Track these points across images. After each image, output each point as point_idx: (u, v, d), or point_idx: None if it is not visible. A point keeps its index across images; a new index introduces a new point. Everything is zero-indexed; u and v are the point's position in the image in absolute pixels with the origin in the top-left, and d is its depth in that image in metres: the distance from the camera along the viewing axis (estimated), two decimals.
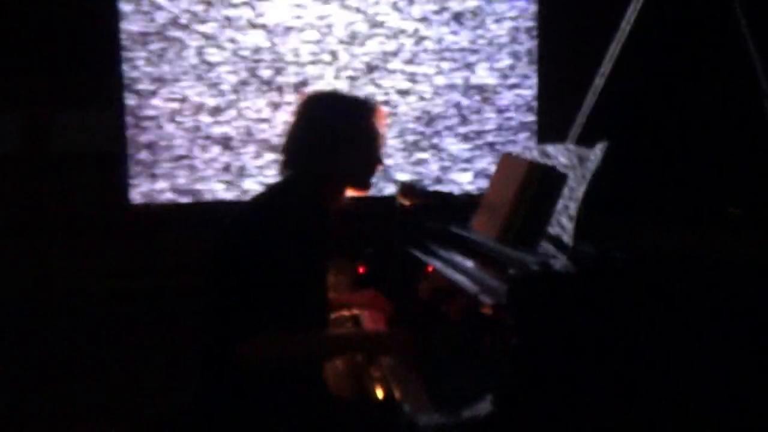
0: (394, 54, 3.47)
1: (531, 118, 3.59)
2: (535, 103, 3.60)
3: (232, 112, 3.38)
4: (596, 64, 2.70)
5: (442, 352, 2.00)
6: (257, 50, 3.37)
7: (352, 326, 2.48)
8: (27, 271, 3.26)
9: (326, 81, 3.44)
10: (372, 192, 2.33)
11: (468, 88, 3.54)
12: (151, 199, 3.37)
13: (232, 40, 3.36)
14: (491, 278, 1.85)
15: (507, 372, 1.64)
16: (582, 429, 1.66)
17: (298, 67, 3.42)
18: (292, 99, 3.41)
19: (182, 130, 3.36)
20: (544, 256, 1.80)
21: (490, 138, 3.59)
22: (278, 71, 3.40)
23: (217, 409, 1.91)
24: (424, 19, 3.51)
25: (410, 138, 3.55)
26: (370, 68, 3.47)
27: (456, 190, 3.54)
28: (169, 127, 3.35)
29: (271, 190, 2.12)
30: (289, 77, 3.41)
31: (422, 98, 3.52)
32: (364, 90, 3.48)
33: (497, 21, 3.54)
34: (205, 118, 3.37)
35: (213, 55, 3.35)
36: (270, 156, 3.40)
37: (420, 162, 3.57)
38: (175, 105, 3.36)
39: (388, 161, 3.50)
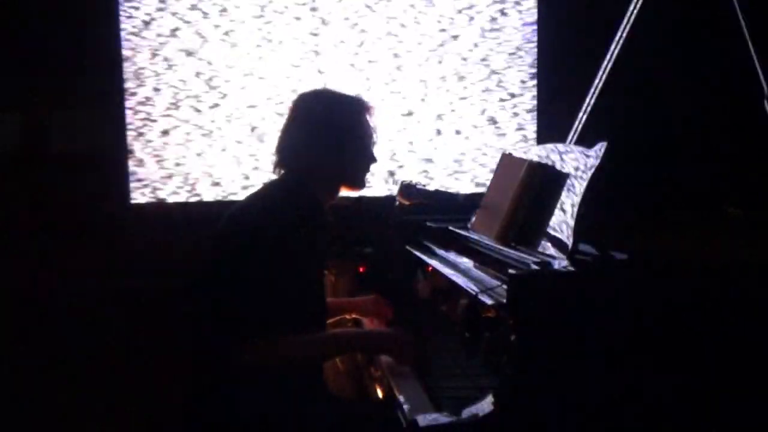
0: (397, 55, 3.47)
1: (531, 117, 3.59)
2: (534, 103, 3.59)
3: (233, 113, 3.38)
4: (596, 65, 2.70)
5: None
6: (258, 52, 3.37)
7: (352, 326, 2.48)
8: (27, 271, 3.26)
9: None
10: (372, 192, 2.33)
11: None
12: (151, 199, 3.37)
13: (234, 39, 3.36)
14: (491, 278, 1.85)
15: (507, 372, 1.64)
16: (582, 429, 1.66)
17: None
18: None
19: (183, 131, 3.36)
20: (544, 256, 1.80)
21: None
22: (291, 73, 3.40)
23: (217, 409, 1.91)
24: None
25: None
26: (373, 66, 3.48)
27: (456, 190, 3.54)
28: (170, 128, 3.35)
29: (266, 190, 2.11)
30: (295, 79, 3.41)
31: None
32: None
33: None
34: (205, 119, 3.37)
35: (213, 55, 3.35)
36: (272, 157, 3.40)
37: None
38: (176, 105, 3.35)
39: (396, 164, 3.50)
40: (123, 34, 3.31)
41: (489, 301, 1.72)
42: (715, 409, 1.69)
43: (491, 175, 2.44)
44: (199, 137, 3.39)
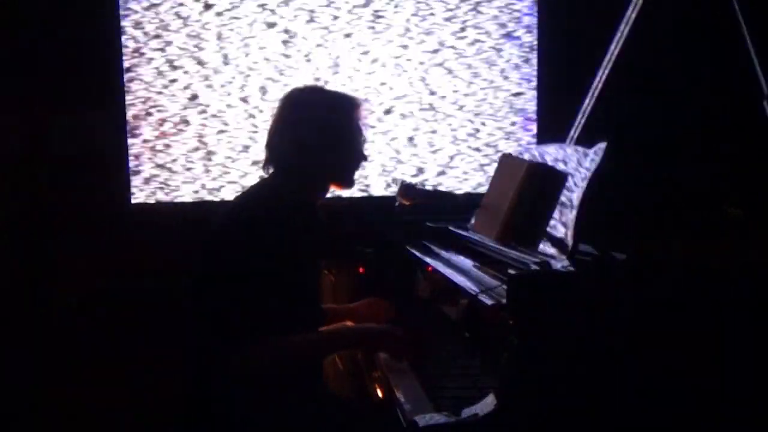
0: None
1: (531, 118, 3.59)
2: (534, 103, 3.60)
3: (234, 113, 3.38)
4: (596, 65, 2.70)
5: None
6: (261, 51, 3.38)
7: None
8: (27, 271, 3.26)
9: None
10: (371, 192, 2.32)
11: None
12: (151, 200, 3.37)
13: (234, 39, 3.37)
14: (491, 278, 1.85)
15: (507, 372, 1.64)
16: (582, 429, 1.66)
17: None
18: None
19: (183, 131, 3.36)
20: (544, 256, 1.80)
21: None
22: (287, 75, 3.40)
23: (216, 409, 1.91)
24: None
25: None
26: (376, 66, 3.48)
27: (456, 189, 3.54)
28: (170, 128, 3.35)
29: (256, 190, 2.10)
30: (295, 81, 3.41)
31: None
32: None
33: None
34: (206, 119, 3.37)
35: (214, 55, 3.35)
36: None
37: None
38: (176, 105, 3.36)
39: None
40: (123, 34, 3.31)
41: (489, 302, 1.72)
42: (716, 409, 1.69)
43: (490, 176, 2.44)
44: (199, 137, 3.39)
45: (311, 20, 3.41)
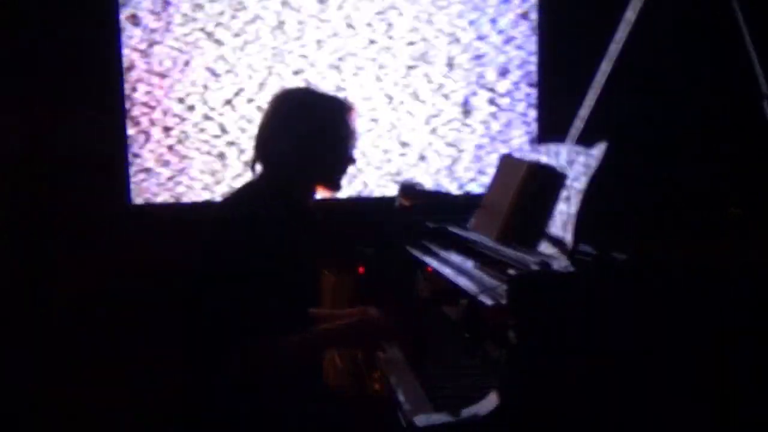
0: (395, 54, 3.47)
1: (531, 118, 3.59)
2: (534, 103, 3.60)
3: (235, 113, 3.38)
4: (596, 64, 2.70)
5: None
6: (262, 51, 3.38)
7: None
8: (27, 271, 3.26)
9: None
10: (372, 192, 2.32)
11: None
12: (151, 200, 3.37)
13: (236, 39, 3.37)
14: (491, 278, 1.85)
15: (507, 372, 1.64)
16: (582, 429, 1.66)
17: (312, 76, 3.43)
18: None
19: (183, 131, 3.36)
20: (544, 256, 1.80)
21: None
22: (289, 77, 3.41)
23: (216, 409, 1.91)
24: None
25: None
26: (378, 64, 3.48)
27: (456, 190, 3.54)
28: (170, 128, 3.36)
29: (245, 190, 2.10)
30: (294, 82, 3.42)
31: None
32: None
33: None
34: (206, 119, 3.37)
35: (215, 54, 3.35)
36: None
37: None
38: (177, 105, 3.36)
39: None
40: (123, 34, 3.31)
41: (489, 302, 1.72)
42: (716, 409, 1.69)
43: (491, 175, 2.44)
44: (199, 138, 3.39)
45: (319, 16, 3.42)
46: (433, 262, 2.28)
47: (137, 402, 3.19)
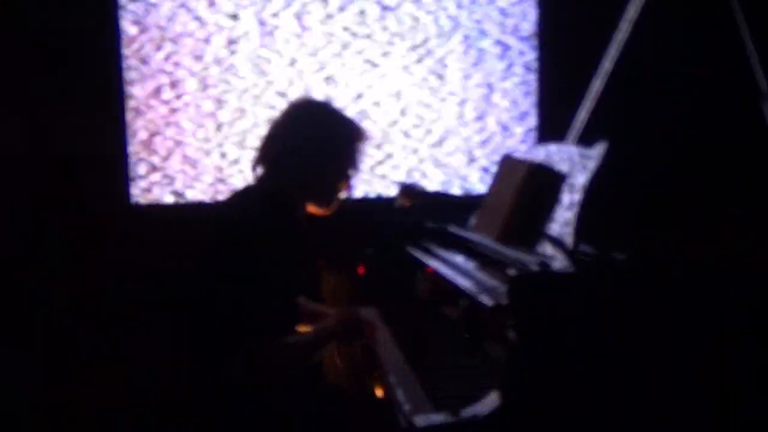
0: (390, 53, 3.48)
1: (531, 118, 3.60)
2: (534, 103, 3.60)
3: (234, 114, 3.38)
4: (596, 64, 2.70)
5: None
6: (262, 50, 3.38)
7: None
8: (27, 272, 3.26)
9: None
10: (372, 192, 2.31)
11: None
12: (151, 200, 3.37)
13: (236, 39, 3.37)
14: (491, 278, 1.85)
15: (507, 372, 1.64)
16: (582, 429, 1.66)
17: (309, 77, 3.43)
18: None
19: (183, 131, 3.36)
20: (544, 256, 1.80)
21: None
22: (285, 75, 3.41)
23: (216, 408, 1.92)
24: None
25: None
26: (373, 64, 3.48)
27: (457, 190, 3.55)
28: (170, 128, 3.36)
29: (244, 194, 2.10)
30: (293, 82, 3.42)
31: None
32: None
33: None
34: (206, 120, 3.37)
35: (215, 55, 3.35)
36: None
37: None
38: (177, 106, 3.36)
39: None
40: (124, 34, 3.31)
41: (489, 302, 1.72)
42: (716, 409, 1.69)
43: (491, 176, 2.44)
44: (199, 138, 3.39)
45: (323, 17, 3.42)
46: (433, 263, 2.28)
47: (137, 402, 3.19)
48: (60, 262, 3.26)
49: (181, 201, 3.39)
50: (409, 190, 2.43)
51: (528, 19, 3.57)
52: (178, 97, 3.37)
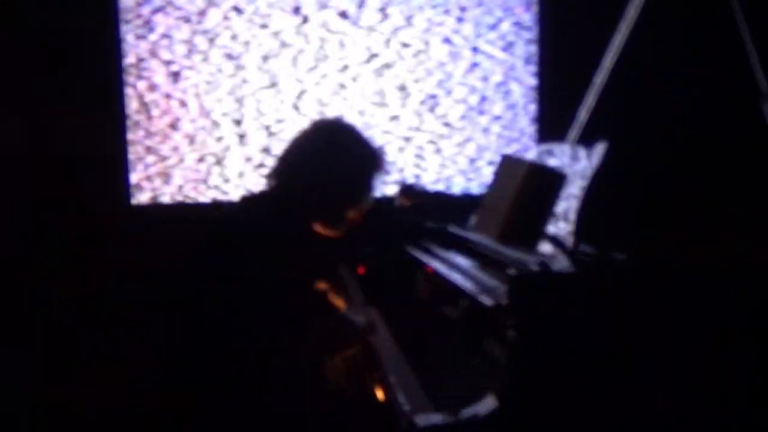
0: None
1: (531, 118, 3.60)
2: (534, 103, 3.60)
3: (233, 113, 3.39)
4: (596, 64, 2.70)
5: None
6: (260, 50, 3.38)
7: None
8: (27, 272, 3.26)
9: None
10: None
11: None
12: (151, 201, 3.37)
13: (236, 39, 3.37)
14: (491, 278, 1.85)
15: (507, 372, 1.64)
16: (581, 429, 1.66)
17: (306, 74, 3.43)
18: (294, 102, 3.41)
19: (182, 131, 3.36)
20: (544, 256, 1.80)
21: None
22: (285, 75, 3.41)
23: (216, 408, 1.92)
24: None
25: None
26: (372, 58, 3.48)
27: (456, 190, 3.55)
28: (170, 128, 3.36)
29: (255, 201, 2.09)
30: (294, 84, 3.42)
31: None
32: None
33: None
34: (206, 119, 3.37)
35: (214, 54, 3.35)
36: (268, 159, 3.41)
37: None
38: (176, 105, 3.36)
39: None
40: (123, 33, 3.31)
41: (489, 302, 1.72)
42: (716, 409, 1.69)
43: (491, 176, 2.44)
44: (199, 138, 3.39)
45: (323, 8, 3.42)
46: (433, 262, 2.28)
47: (137, 402, 3.19)
48: (60, 262, 3.26)
49: (181, 201, 3.39)
50: (409, 190, 2.43)
51: (528, 19, 3.57)
52: (178, 96, 3.37)
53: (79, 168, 3.29)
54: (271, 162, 3.37)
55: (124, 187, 3.34)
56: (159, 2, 3.32)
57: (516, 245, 1.95)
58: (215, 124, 3.40)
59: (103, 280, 3.27)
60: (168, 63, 3.35)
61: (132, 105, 3.34)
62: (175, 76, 3.36)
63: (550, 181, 1.97)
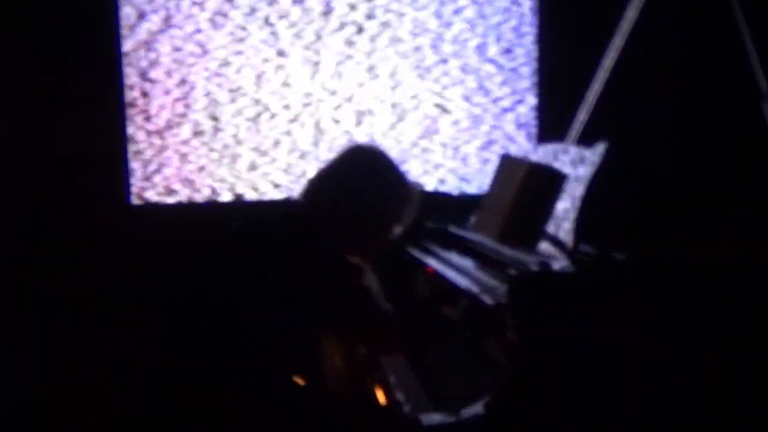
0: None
1: (531, 117, 3.59)
2: (534, 103, 3.60)
3: (233, 114, 3.38)
4: (596, 64, 2.70)
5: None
6: (260, 48, 3.38)
7: None
8: (27, 272, 3.25)
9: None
10: None
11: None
12: (151, 200, 3.37)
13: (234, 37, 3.37)
14: (491, 278, 1.85)
15: (507, 372, 1.64)
16: (581, 429, 1.66)
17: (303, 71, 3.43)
18: (292, 102, 3.41)
19: (182, 131, 3.36)
20: (544, 256, 1.80)
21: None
22: (283, 74, 3.41)
23: (217, 408, 1.92)
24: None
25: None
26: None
27: (456, 190, 3.54)
28: (170, 128, 3.35)
29: (288, 224, 2.04)
30: (291, 81, 3.42)
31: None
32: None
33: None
34: (205, 120, 3.37)
35: (214, 55, 3.35)
36: (267, 159, 3.41)
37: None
38: (176, 105, 3.35)
39: None
40: (123, 33, 3.31)
41: (489, 302, 1.72)
42: (716, 409, 1.70)
43: (492, 176, 2.44)
44: (198, 138, 3.39)
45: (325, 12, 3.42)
46: (433, 262, 2.28)
47: (137, 402, 3.19)
48: (60, 262, 3.26)
49: (181, 201, 3.38)
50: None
51: (528, 19, 3.57)
52: (179, 96, 3.36)
53: (79, 168, 3.29)
54: (271, 161, 3.39)
55: (124, 187, 3.34)
56: (159, 2, 3.32)
57: (516, 245, 1.95)
58: (217, 123, 3.39)
59: (103, 280, 3.27)
60: (168, 63, 3.35)
61: (132, 104, 3.34)
62: (175, 75, 3.36)
63: (550, 181, 1.97)
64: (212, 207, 3.37)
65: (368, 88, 3.47)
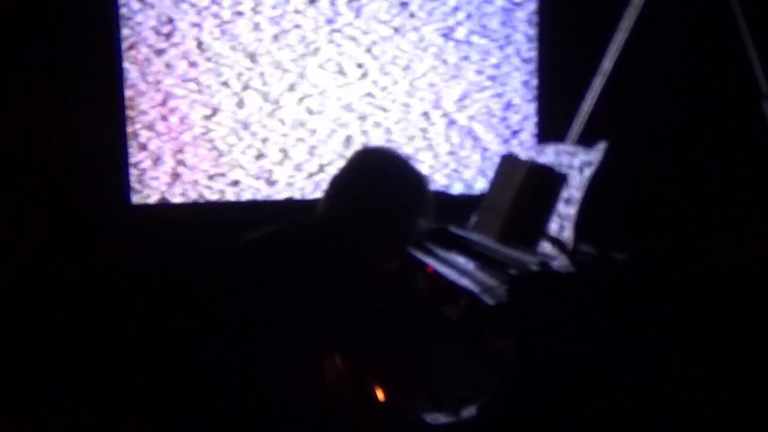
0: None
1: (531, 118, 3.60)
2: (534, 103, 3.60)
3: (233, 114, 3.38)
4: (596, 64, 2.70)
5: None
6: (258, 50, 3.38)
7: None
8: (27, 272, 3.26)
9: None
10: None
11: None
12: (151, 200, 3.37)
13: (233, 37, 3.37)
14: (491, 278, 1.85)
15: (507, 372, 1.64)
16: (581, 428, 1.66)
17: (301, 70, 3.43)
18: (289, 102, 3.41)
19: (182, 131, 3.36)
20: (544, 256, 1.80)
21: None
22: (281, 73, 3.41)
23: (213, 408, 1.92)
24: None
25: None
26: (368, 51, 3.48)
27: (456, 190, 3.55)
28: (171, 128, 3.36)
29: (302, 236, 2.03)
30: (288, 81, 3.42)
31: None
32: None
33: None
34: (205, 119, 3.37)
35: (214, 54, 3.35)
36: (268, 159, 3.41)
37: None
38: (177, 105, 3.36)
39: None
40: (123, 33, 3.31)
41: (489, 302, 1.72)
42: (716, 409, 1.70)
43: (492, 176, 2.44)
44: (198, 138, 3.39)
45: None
46: (433, 262, 2.28)
47: (137, 402, 3.19)
48: (60, 262, 3.26)
49: (181, 201, 3.39)
50: None
51: (528, 19, 3.57)
52: (180, 95, 3.37)
53: (79, 168, 3.29)
54: (272, 161, 3.39)
55: (124, 187, 3.34)
56: (159, 2, 3.32)
57: (516, 245, 1.95)
58: (218, 123, 3.39)
59: (104, 280, 3.27)
60: (168, 62, 3.35)
61: (132, 104, 3.34)
62: (176, 75, 3.36)
63: (550, 181, 1.97)
64: (212, 207, 3.37)
65: (365, 86, 3.47)
